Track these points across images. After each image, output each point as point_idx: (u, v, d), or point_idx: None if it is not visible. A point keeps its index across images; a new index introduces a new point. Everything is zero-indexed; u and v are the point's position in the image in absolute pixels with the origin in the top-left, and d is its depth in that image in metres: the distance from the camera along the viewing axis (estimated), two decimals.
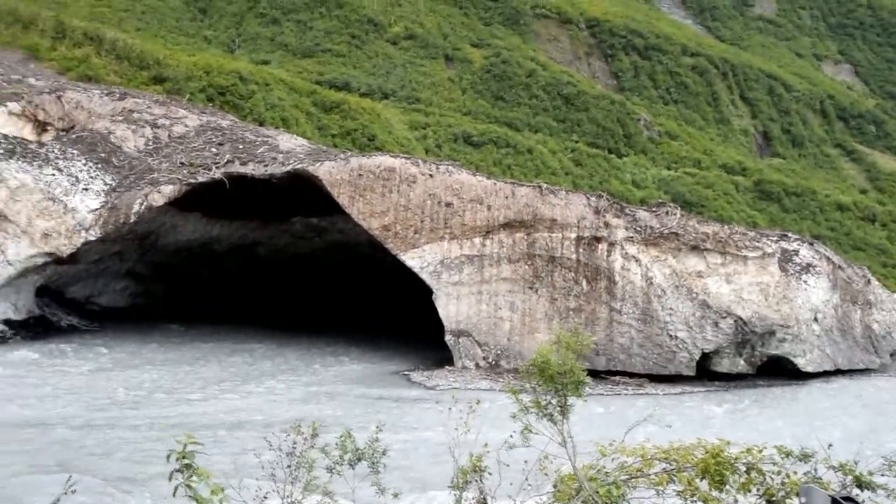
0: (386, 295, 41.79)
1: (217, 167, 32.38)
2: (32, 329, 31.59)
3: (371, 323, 41.22)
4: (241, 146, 34.41)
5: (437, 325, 31.37)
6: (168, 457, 4.02)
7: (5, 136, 32.63)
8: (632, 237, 30.90)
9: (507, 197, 30.94)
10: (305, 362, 31.04)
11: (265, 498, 5.02)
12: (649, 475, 5.67)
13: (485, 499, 5.86)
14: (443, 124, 68.41)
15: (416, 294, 33.23)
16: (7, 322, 30.59)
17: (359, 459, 5.83)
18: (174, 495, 4.00)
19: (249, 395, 24.30)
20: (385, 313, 42.21)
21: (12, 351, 27.93)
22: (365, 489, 6.02)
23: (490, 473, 5.94)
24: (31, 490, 12.84)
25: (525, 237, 30.68)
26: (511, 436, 5.91)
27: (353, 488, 5.81)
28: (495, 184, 31.56)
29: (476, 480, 5.84)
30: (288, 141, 36.20)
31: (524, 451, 5.99)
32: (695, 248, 31.07)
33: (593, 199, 31.84)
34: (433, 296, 30.89)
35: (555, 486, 5.62)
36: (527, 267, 30.63)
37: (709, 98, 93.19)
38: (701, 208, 64.79)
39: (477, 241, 30.72)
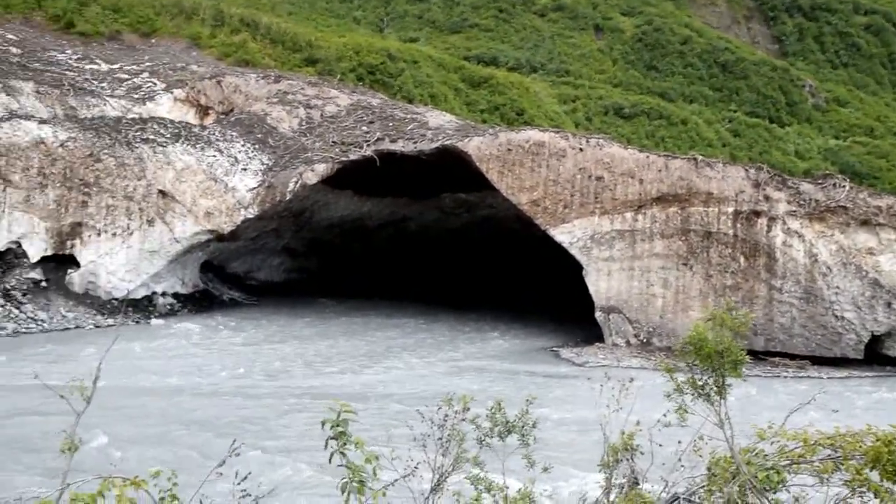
0: (534, 270, 41.76)
1: (368, 145, 33.26)
2: (198, 302, 33.73)
3: (519, 299, 41.33)
4: (390, 124, 35.18)
5: (586, 302, 31.08)
6: (323, 424, 4.19)
7: (171, 121, 34.79)
8: (794, 211, 29.39)
9: (659, 170, 30.13)
10: (453, 337, 31.55)
11: (416, 468, 5.17)
12: (812, 462, 5.43)
13: (636, 478, 5.79)
14: (593, 97, 67.22)
15: (565, 270, 33.02)
16: (175, 295, 32.79)
17: (509, 432, 5.89)
18: (329, 462, 4.17)
19: (397, 368, 24.99)
20: (533, 289, 42.21)
21: (179, 322, 29.95)
22: (515, 462, 6.08)
23: (642, 453, 5.86)
24: (192, 453, 13.78)
25: (679, 212, 29.81)
26: (664, 415, 5.80)
27: (504, 461, 5.88)
28: (648, 157, 30.79)
29: (627, 459, 5.78)
30: (437, 117, 36.67)
31: (677, 431, 5.87)
32: (865, 223, 29.19)
33: (752, 171, 30.48)
34: (583, 271, 30.59)
35: (709, 469, 5.48)
36: (681, 242, 29.78)
37: (884, 59, 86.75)
38: (873, 180, 60.60)
39: (628, 215, 30.13)
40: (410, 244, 42.73)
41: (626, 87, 71.73)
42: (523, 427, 6.00)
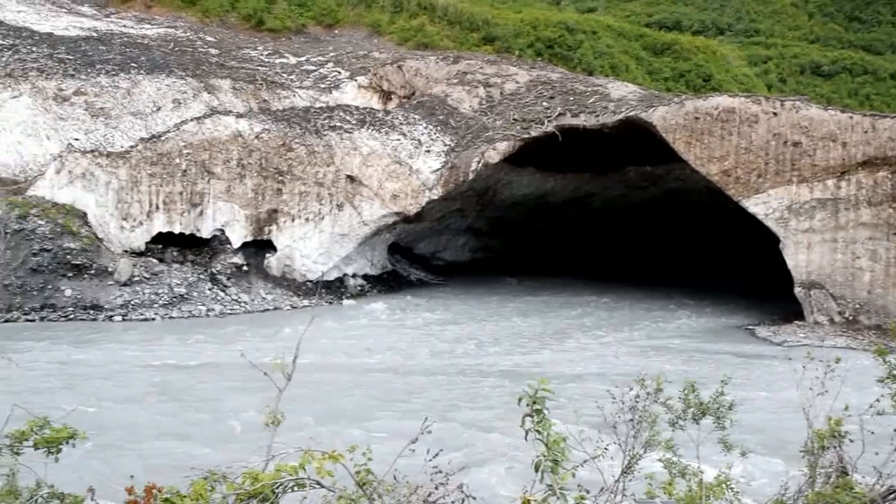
0: (726, 245, 40.07)
1: (549, 121, 33.09)
2: (386, 283, 34.99)
3: (710, 274, 39.81)
4: (571, 98, 34.80)
5: (783, 277, 29.47)
6: (520, 400, 4.23)
7: (356, 108, 36.13)
8: None
9: (865, 132, 27.93)
10: (640, 315, 30.91)
11: (606, 449, 5.12)
12: None
13: (845, 467, 5.44)
14: (786, 56, 63.34)
15: (760, 243, 31.43)
16: (365, 277, 34.19)
17: (703, 414, 5.70)
18: (525, 439, 4.21)
19: (584, 347, 24.82)
20: (725, 264, 40.51)
21: (370, 303, 31.21)
22: (710, 446, 5.89)
23: (851, 440, 5.49)
24: (386, 429, 14.34)
25: (889, 176, 27.55)
26: (878, 400, 5.40)
27: (698, 444, 5.72)
28: (851, 117, 28.62)
29: (835, 447, 5.44)
30: (618, 89, 35.89)
31: (893, 419, 5.45)
32: None
33: None
34: (780, 244, 29.01)
35: None
36: (892, 210, 27.53)
37: None
38: None
39: (830, 182, 28.20)
40: (594, 221, 42.18)
41: (825, 43, 66.95)
42: (718, 409, 5.78)
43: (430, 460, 4.89)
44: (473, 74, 38.28)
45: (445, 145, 33.34)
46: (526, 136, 32.81)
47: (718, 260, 41.03)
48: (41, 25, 42.33)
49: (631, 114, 31.37)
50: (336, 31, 52.54)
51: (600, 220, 42.21)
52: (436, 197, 32.44)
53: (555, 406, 4.41)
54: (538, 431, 4.12)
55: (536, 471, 4.07)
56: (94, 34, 42.42)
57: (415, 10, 55.06)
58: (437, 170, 32.52)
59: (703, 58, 59.24)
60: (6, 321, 24.51)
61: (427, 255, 40.41)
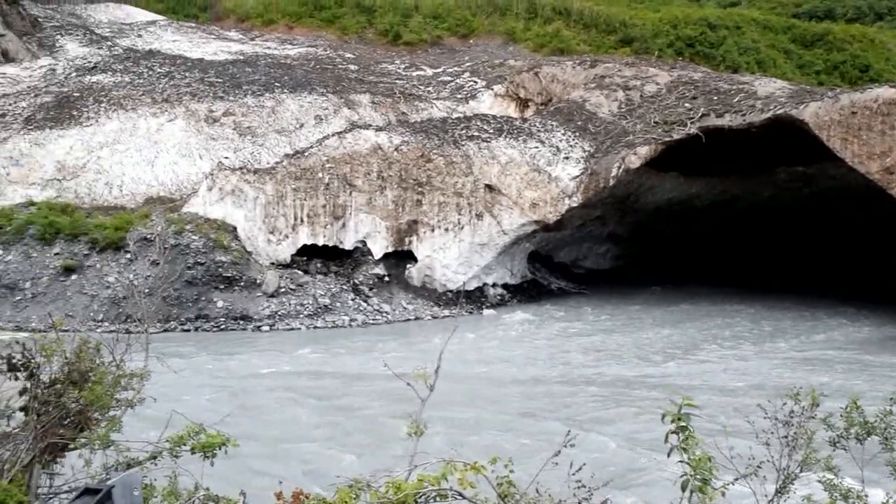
0: (887, 248, 37.66)
1: (692, 122, 32.18)
2: (526, 292, 34.92)
3: (868, 281, 37.48)
4: (715, 97, 33.71)
5: None
6: (663, 417, 4.13)
7: (494, 117, 36.32)
8: None
9: None
10: (793, 324, 29.50)
11: (759, 468, 4.89)
12: None
13: None
14: None
15: None
16: (505, 286, 34.25)
17: (868, 434, 5.33)
18: (668, 456, 4.10)
19: (731, 357, 23.90)
20: (887, 270, 38.08)
21: (510, 312, 31.22)
22: (876, 468, 5.52)
23: None
24: (528, 440, 14.27)
25: None
26: None
27: (862, 466, 5.37)
28: None
29: None
30: (766, 85, 34.47)
31: None
32: None
33: None
34: None
35: None
36: None
37: None
38: None
39: None
40: (740, 225, 40.59)
41: None
42: (886, 429, 5.40)
43: (573, 474, 4.82)
44: (612, 78, 37.73)
45: (584, 151, 32.99)
46: (668, 139, 32.01)
47: (878, 265, 38.58)
48: (193, 52, 44.91)
49: (780, 112, 30.05)
50: (471, 42, 53.05)
51: (747, 224, 40.57)
52: (575, 204, 32.12)
53: (701, 420, 4.25)
54: (684, 449, 4.00)
55: (683, 490, 3.95)
56: (241, 57, 44.60)
57: (549, 15, 54.87)
58: (577, 177, 32.21)
59: (860, 47, 56.06)
60: (164, 331, 26.02)
61: (567, 264, 40.05)
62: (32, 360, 6.72)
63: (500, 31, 53.81)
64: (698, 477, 3.97)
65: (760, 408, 5.28)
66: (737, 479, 4.60)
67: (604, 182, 31.91)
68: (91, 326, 24.84)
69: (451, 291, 32.28)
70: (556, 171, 32.39)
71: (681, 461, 4.03)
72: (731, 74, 41.11)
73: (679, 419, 4.10)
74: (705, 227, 40.47)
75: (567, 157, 32.76)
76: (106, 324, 25.65)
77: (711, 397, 18.19)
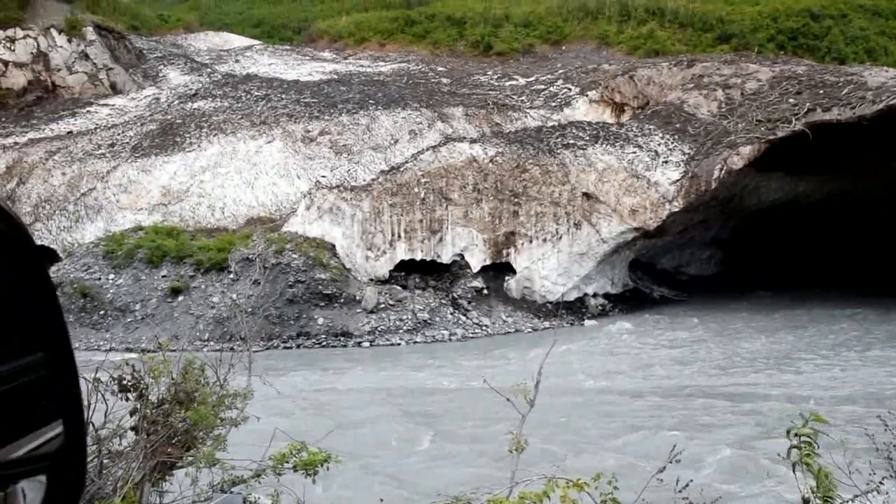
0: None
1: (796, 118, 31.08)
2: (628, 301, 34.33)
3: None
4: (821, 91, 32.48)
5: None
6: (788, 433, 3.98)
7: (589, 123, 35.96)
8: None
9: None
10: None
11: (880, 483, 4.63)
12: None
13: None
14: None
15: None
16: (606, 296, 33.76)
17: None
18: (794, 472, 3.95)
19: (849, 366, 22.86)
20: None
21: (612, 323, 30.73)
22: None
23: None
24: (632, 456, 13.96)
25: None
26: None
27: None
28: None
29: None
30: (877, 75, 32.98)
31: None
32: None
33: None
34: None
35: None
36: None
37: None
38: None
39: None
40: (852, 224, 38.90)
41: None
42: None
43: (679, 491, 4.69)
44: (710, 77, 36.82)
45: (684, 154, 32.28)
46: (772, 137, 30.99)
47: None
48: (288, 74, 46.15)
49: (893, 102, 28.72)
50: (563, 48, 52.75)
51: (858, 223, 38.84)
52: (676, 209, 31.43)
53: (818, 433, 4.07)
54: (806, 465, 3.83)
55: None
56: (335, 76, 45.56)
57: (643, 16, 54.03)
58: (677, 181, 31.52)
59: None
60: (267, 349, 26.69)
61: (670, 271, 39.21)
62: (142, 381, 6.99)
63: (592, 35, 53.32)
64: (819, 494, 3.80)
65: (881, 420, 5.01)
66: (857, 497, 4.38)
67: (705, 185, 31.13)
68: (197, 346, 25.68)
69: (550, 303, 32.03)
70: (655, 175, 31.79)
71: (799, 477, 3.87)
72: (838, 66, 39.51)
73: (803, 435, 3.94)
74: (814, 227, 38.97)
75: (666, 161, 32.12)
76: (211, 343, 26.48)
77: (826, 407, 17.44)
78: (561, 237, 32.14)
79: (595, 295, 33.51)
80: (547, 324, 30.57)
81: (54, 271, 30.08)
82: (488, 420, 16.12)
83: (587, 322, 31.45)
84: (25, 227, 1.20)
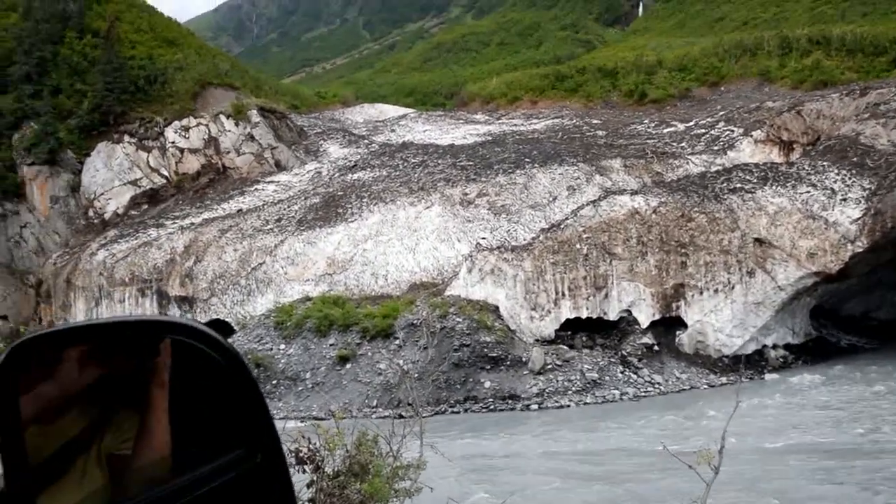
0: None
1: None
2: (812, 352, 32.39)
3: None
4: None
5: None
6: None
7: (756, 165, 34.73)
8: None
9: None
10: None
11: None
12: None
13: None
14: None
15: None
16: (787, 346, 32.02)
17: None
18: None
19: None
20: None
21: (795, 375, 29.03)
22: None
23: None
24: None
25: None
26: None
27: None
28: None
29: None
30: None
31: None
32: None
33: None
34: None
35: None
36: None
37: None
38: None
39: None
40: None
41: None
42: None
43: None
44: (888, 104, 34.81)
45: (864, 189, 30.50)
46: None
47: None
48: (443, 139, 47.42)
49: None
50: (722, 88, 51.53)
51: None
52: (860, 249, 29.61)
53: None
54: None
55: None
56: (489, 138, 46.38)
57: (806, 47, 52.02)
58: (858, 218, 29.77)
59: None
60: (434, 414, 26.92)
61: (857, 316, 36.76)
62: (318, 454, 7.20)
63: (752, 72, 51.81)
64: None
65: None
66: None
67: (891, 221, 29.21)
68: (366, 413, 26.30)
69: (726, 357, 30.73)
70: (833, 215, 30.17)
71: None
72: None
73: None
74: None
75: (844, 199, 30.45)
76: (380, 409, 27.04)
77: None
78: (734, 287, 30.93)
79: (775, 346, 31.86)
80: (724, 379, 29.30)
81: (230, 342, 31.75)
82: (669, 486, 15.49)
83: (768, 376, 29.88)
84: (241, 357, 1.37)
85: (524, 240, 33.72)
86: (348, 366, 29.81)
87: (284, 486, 1.43)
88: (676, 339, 31.37)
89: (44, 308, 42.84)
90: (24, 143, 49.18)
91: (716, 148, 40.32)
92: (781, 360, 31.41)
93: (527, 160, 39.51)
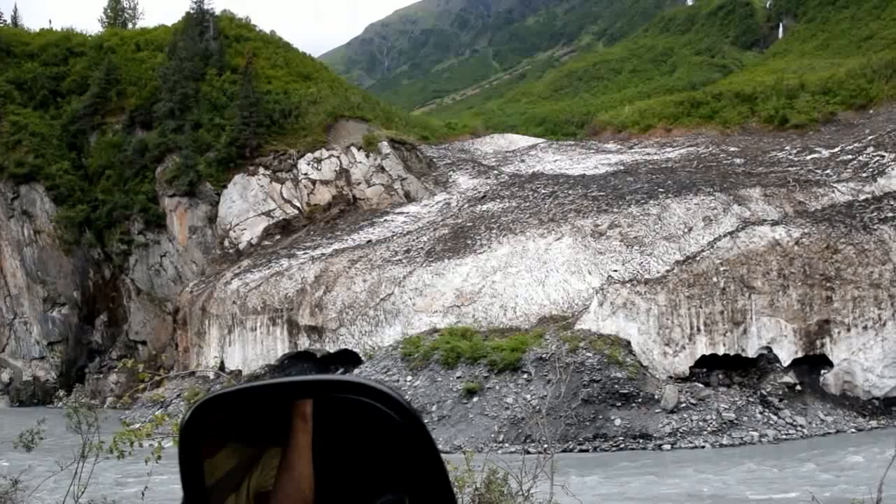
0: None
1: None
2: None
3: None
4: None
5: None
6: None
7: None
8: None
9: None
10: None
11: None
12: None
13: None
14: None
15: None
16: None
17: None
18: None
19: None
20: None
21: None
22: None
23: None
24: None
25: None
26: None
27: None
28: None
29: None
30: None
31: None
32: None
33: None
34: None
35: None
36: None
37: None
38: None
39: None
40: None
41: None
42: None
43: None
44: None
45: None
46: None
47: None
48: (574, 169, 47.27)
49: None
50: (871, 111, 49.28)
51: None
52: None
53: None
54: None
55: None
56: (621, 167, 45.92)
57: None
58: None
59: None
60: (563, 451, 26.60)
61: None
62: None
63: None
64: None
65: None
66: None
67: None
68: (492, 447, 26.27)
69: (877, 399, 29.19)
70: None
71: None
72: None
73: None
74: None
75: None
76: (506, 444, 26.96)
77: None
78: (885, 323, 29.41)
79: None
80: (874, 423, 27.85)
81: (357, 373, 32.46)
82: None
83: None
84: (418, 416, 1.45)
85: (658, 272, 33.11)
86: (475, 399, 29.91)
87: None
88: (821, 379, 30.02)
89: (180, 335, 44.94)
90: (166, 175, 52.18)
91: (864, 175, 38.57)
92: None
93: (660, 190, 38.87)
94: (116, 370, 47.28)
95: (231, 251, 48.84)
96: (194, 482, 1.37)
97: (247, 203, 49.83)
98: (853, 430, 27.67)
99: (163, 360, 46.73)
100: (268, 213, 49.50)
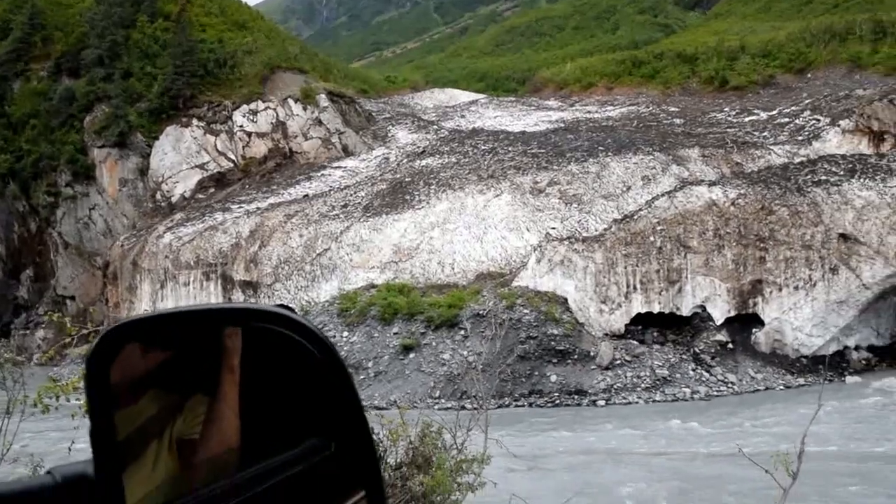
0: None
1: None
2: None
3: None
4: None
5: None
6: None
7: (842, 157, 33.84)
8: None
9: None
10: None
11: None
12: None
13: None
14: None
15: None
16: (871, 348, 31.18)
17: None
18: None
19: None
20: None
21: (879, 379, 28.23)
22: None
23: None
24: None
25: None
26: None
27: None
28: None
29: None
30: None
31: None
32: None
33: None
34: None
35: None
36: None
37: None
38: None
39: None
40: None
41: None
42: None
43: None
44: None
45: None
46: None
47: None
48: (514, 126, 47.22)
49: None
50: (808, 76, 50.12)
51: None
52: None
53: None
54: None
55: None
56: (562, 125, 46.04)
57: None
58: None
59: None
60: (498, 407, 26.94)
61: None
62: (380, 444, 7.29)
63: (841, 59, 50.22)
64: None
65: None
66: None
67: None
68: (429, 403, 26.46)
69: (805, 357, 30.08)
70: None
71: None
72: None
73: None
74: None
75: None
76: (442, 400, 27.19)
77: None
78: (815, 284, 30.22)
79: (857, 348, 31.06)
80: (802, 380, 28.71)
81: None
82: (743, 492, 15.27)
83: (849, 378, 29.15)
84: (335, 350, 1.41)
85: (596, 231, 33.46)
86: (412, 355, 30.02)
87: (372, 473, 1.45)
88: (752, 338, 30.80)
89: (110, 290, 44.06)
90: (95, 125, 50.59)
91: (800, 138, 39.35)
92: (864, 362, 30.60)
93: (600, 148, 39.13)
94: (44, 325, 46.22)
95: (163, 204, 47.82)
96: (103, 420, 1.28)
97: (180, 155, 48.71)
98: (782, 387, 28.50)
99: (92, 315, 45.75)
100: (201, 166, 48.49)
